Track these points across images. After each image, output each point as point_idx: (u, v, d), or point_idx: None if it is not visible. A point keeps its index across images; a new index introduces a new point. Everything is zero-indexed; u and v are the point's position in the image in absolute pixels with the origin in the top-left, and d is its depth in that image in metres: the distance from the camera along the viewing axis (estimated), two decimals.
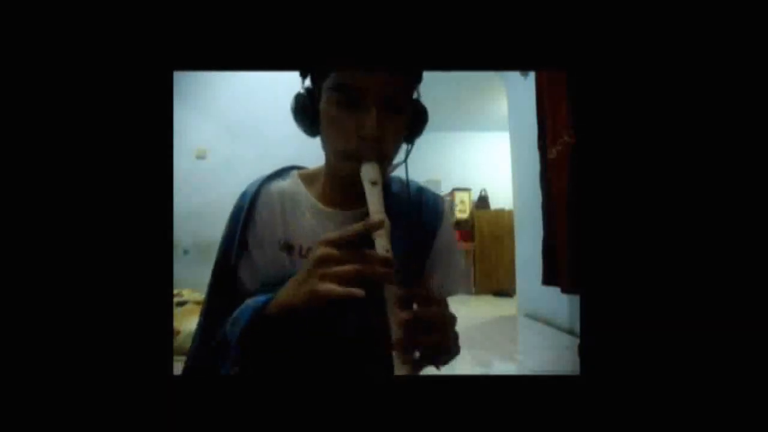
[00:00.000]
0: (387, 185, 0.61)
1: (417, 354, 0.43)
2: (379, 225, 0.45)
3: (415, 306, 0.44)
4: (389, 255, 0.44)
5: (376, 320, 0.45)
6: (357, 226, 0.44)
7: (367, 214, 0.48)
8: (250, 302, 0.49)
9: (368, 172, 0.49)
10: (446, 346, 0.45)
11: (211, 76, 3.12)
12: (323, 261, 0.42)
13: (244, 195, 0.59)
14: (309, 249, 0.55)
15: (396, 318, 0.42)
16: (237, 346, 0.47)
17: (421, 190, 0.64)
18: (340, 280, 0.41)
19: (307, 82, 0.56)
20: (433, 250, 0.61)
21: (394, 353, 0.42)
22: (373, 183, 0.48)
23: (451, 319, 0.45)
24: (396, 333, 0.42)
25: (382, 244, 0.45)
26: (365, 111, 0.49)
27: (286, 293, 0.46)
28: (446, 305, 0.45)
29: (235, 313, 0.49)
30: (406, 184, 0.61)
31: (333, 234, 0.44)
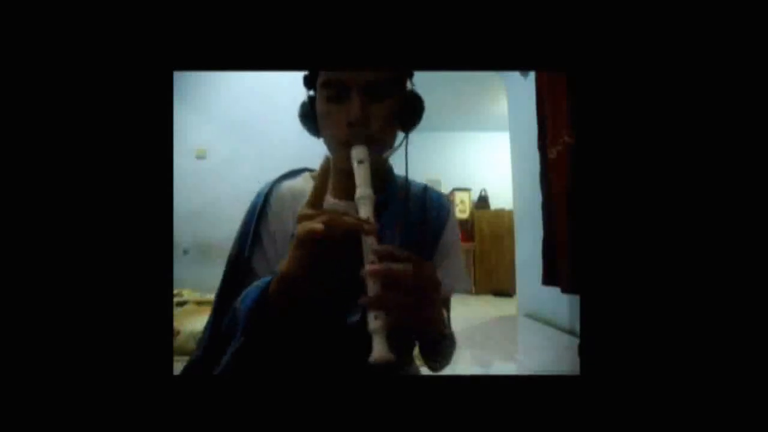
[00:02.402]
0: (392, 182, 0.63)
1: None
2: (367, 197, 0.48)
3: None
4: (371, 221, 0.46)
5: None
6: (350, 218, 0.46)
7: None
8: (258, 282, 0.50)
9: (356, 153, 0.52)
10: (420, 312, 0.43)
11: (211, 76, 3.12)
12: (304, 217, 0.43)
13: (258, 194, 0.63)
14: None
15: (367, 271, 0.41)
16: (245, 322, 0.48)
17: (426, 190, 0.67)
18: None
19: (312, 92, 0.60)
20: (437, 249, 0.63)
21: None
22: (360, 161, 0.51)
23: (431, 284, 0.43)
24: (369, 288, 0.40)
25: (365, 211, 0.47)
26: (350, 100, 0.53)
27: (280, 266, 0.46)
28: (432, 269, 0.43)
29: (244, 293, 0.50)
30: (410, 183, 0.63)
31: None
